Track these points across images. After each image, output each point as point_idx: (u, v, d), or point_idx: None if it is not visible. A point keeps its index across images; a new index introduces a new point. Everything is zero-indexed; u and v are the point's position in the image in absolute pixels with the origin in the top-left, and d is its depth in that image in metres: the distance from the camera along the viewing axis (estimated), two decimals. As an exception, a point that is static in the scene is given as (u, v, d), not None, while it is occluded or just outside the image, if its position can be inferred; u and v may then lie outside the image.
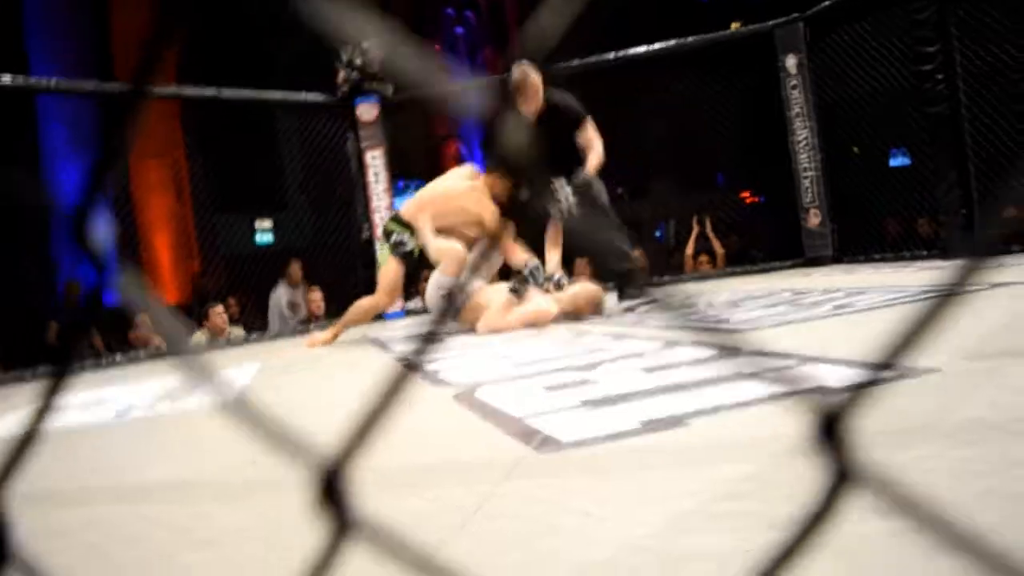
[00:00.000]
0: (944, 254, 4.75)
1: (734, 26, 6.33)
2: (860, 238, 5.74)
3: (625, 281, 4.28)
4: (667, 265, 7.49)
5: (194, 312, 6.03)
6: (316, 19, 0.28)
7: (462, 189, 4.19)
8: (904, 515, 0.25)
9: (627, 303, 4.14)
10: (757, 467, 1.07)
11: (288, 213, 8.52)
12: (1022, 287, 2.73)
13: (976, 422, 1.15)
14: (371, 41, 6.10)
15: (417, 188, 4.88)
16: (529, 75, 4.10)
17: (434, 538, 0.94)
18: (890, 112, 5.56)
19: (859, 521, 0.80)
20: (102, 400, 3.04)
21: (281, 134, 8.14)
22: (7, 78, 4.81)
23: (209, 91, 5.72)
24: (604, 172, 4.23)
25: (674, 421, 1.37)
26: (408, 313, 6.08)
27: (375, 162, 6.30)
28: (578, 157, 4.15)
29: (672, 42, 6.14)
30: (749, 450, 1.18)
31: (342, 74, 6.21)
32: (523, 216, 4.17)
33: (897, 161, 6.71)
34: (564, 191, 4.07)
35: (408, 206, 4.29)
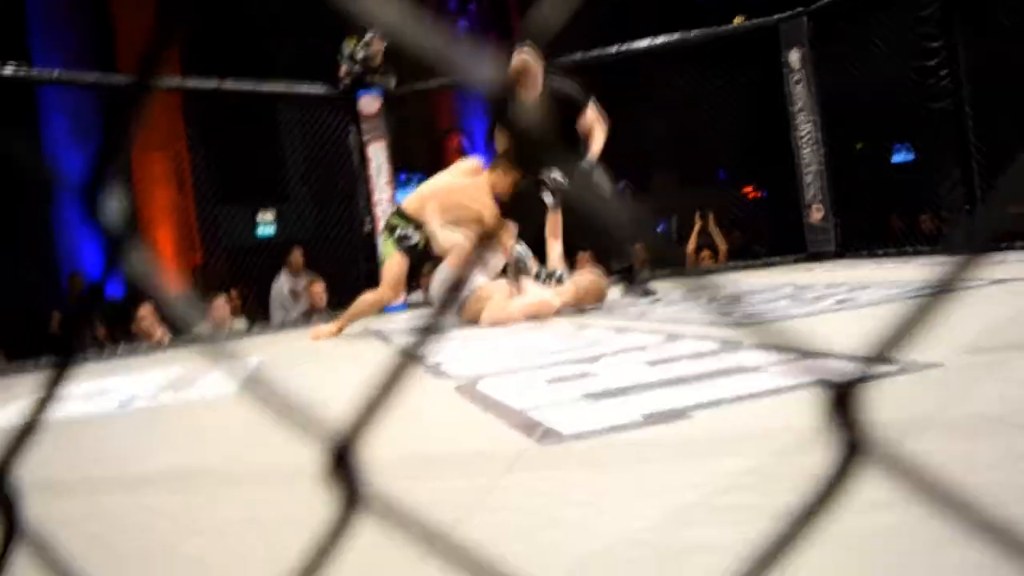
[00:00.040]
0: (947, 250, 4.74)
1: (737, 20, 6.31)
2: (863, 233, 5.73)
3: (629, 274, 4.25)
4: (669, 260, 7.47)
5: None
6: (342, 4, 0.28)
7: (463, 185, 4.19)
8: (915, 490, 0.25)
9: (631, 295, 4.13)
10: (759, 460, 1.07)
11: (290, 205, 8.52)
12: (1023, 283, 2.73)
13: (978, 416, 1.15)
14: (374, 33, 6.10)
15: (419, 182, 4.88)
16: (528, 61, 4.01)
17: (436, 529, 0.94)
18: (893, 108, 5.55)
19: (861, 513, 0.80)
20: (105, 390, 3.04)
21: (283, 127, 8.13)
22: (9, 69, 4.80)
23: (211, 83, 5.71)
24: (606, 165, 4.18)
25: (676, 414, 1.37)
26: (410, 306, 6.08)
27: (377, 155, 6.30)
28: (580, 144, 4.09)
29: (675, 36, 6.12)
30: (751, 443, 1.18)
31: (344, 67, 6.21)
32: (523, 214, 4.16)
33: (900, 157, 6.70)
34: (554, 177, 4.05)
35: (411, 200, 4.29)
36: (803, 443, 1.05)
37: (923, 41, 4.84)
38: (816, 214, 5.82)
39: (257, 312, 6.76)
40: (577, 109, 4.12)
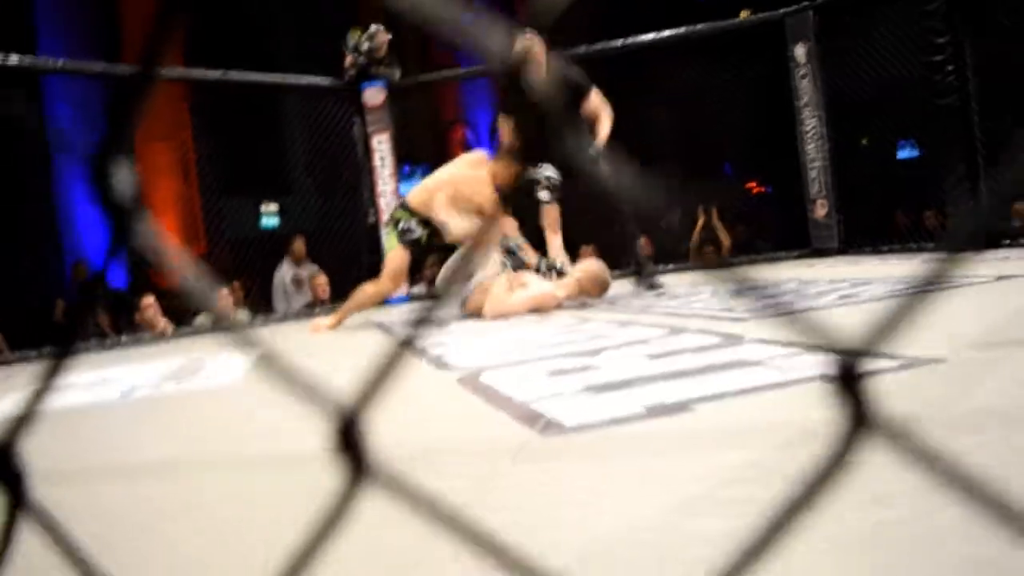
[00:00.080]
0: (943, 246, 4.73)
1: (744, 14, 6.30)
2: (867, 229, 5.72)
3: (642, 265, 4.21)
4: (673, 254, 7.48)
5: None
6: None
7: (468, 177, 4.17)
8: (920, 463, 0.25)
9: (639, 288, 4.11)
10: (762, 454, 1.07)
11: (294, 197, 8.52)
12: (1028, 280, 2.72)
13: (980, 411, 1.14)
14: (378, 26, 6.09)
15: (423, 174, 4.88)
16: (530, 45, 3.90)
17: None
18: (899, 103, 5.53)
19: (862, 507, 0.80)
20: (107, 380, 3.05)
21: (287, 118, 8.12)
22: (14, 58, 4.80)
23: (215, 73, 5.71)
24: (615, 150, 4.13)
25: (678, 407, 1.37)
26: (412, 298, 6.09)
27: (381, 147, 6.29)
28: (585, 129, 4.04)
29: (681, 29, 6.10)
30: (754, 437, 1.18)
31: (349, 58, 6.20)
32: (523, 208, 4.15)
33: (905, 153, 6.69)
34: (545, 174, 4.03)
35: (416, 193, 4.28)
36: (807, 437, 1.05)
37: (930, 36, 4.83)
38: (820, 210, 5.81)
39: (260, 304, 6.76)
40: (581, 95, 4.08)
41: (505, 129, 4.34)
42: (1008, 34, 4.59)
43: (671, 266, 6.00)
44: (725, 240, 6.89)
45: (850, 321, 2.32)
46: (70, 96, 8.61)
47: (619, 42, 6.13)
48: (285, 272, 6.72)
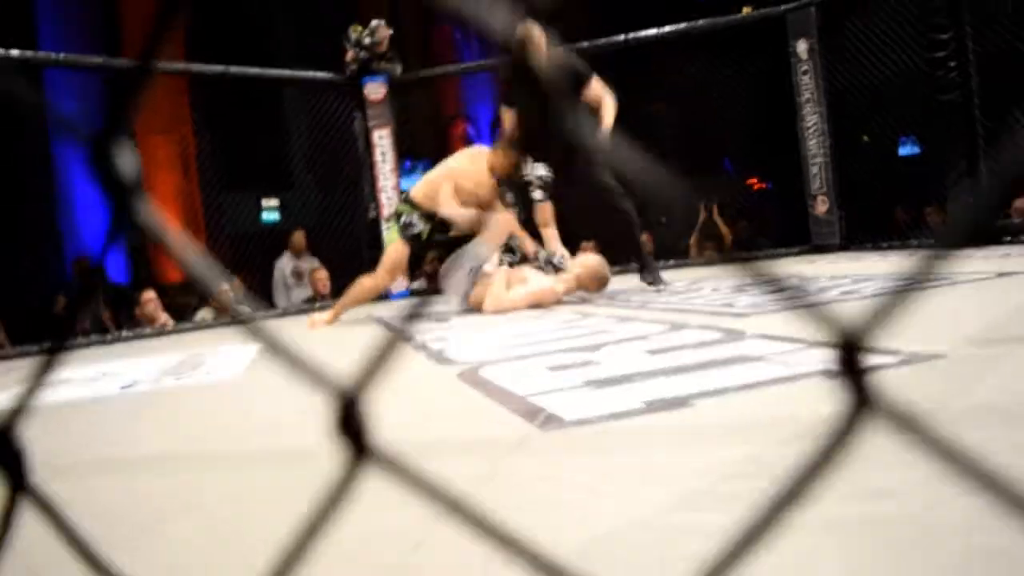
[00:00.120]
0: (938, 242, 4.72)
1: (746, 10, 6.27)
2: (867, 226, 5.71)
3: (644, 260, 4.20)
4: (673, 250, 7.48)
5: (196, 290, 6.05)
6: None
7: (470, 170, 4.17)
8: (920, 445, 0.25)
9: (643, 283, 4.10)
10: (763, 449, 1.07)
11: (294, 192, 8.51)
12: (1030, 276, 2.72)
13: (981, 407, 1.14)
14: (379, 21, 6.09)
15: (424, 169, 4.87)
16: (532, 31, 3.85)
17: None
18: (901, 99, 5.52)
19: (861, 501, 0.80)
20: (107, 374, 3.05)
21: (288, 113, 8.12)
22: (15, 51, 4.80)
23: (217, 68, 5.70)
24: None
25: (678, 402, 1.37)
26: (413, 293, 6.09)
27: (382, 142, 6.29)
28: (587, 113, 4.02)
29: (683, 25, 6.09)
30: (755, 431, 1.18)
31: (350, 53, 6.19)
32: (520, 199, 4.14)
33: (906, 150, 6.67)
34: (537, 173, 4.03)
35: (420, 188, 4.27)
36: (808, 432, 1.05)
37: (932, 32, 4.82)
38: (821, 206, 5.80)
39: (260, 300, 6.76)
40: (582, 82, 4.07)
41: (507, 120, 4.33)
42: (1012, 30, 4.58)
43: (671, 262, 5.99)
44: (726, 237, 6.88)
45: (851, 317, 2.32)
46: (71, 91, 8.60)
47: (621, 38, 6.12)
48: (285, 264, 6.74)
